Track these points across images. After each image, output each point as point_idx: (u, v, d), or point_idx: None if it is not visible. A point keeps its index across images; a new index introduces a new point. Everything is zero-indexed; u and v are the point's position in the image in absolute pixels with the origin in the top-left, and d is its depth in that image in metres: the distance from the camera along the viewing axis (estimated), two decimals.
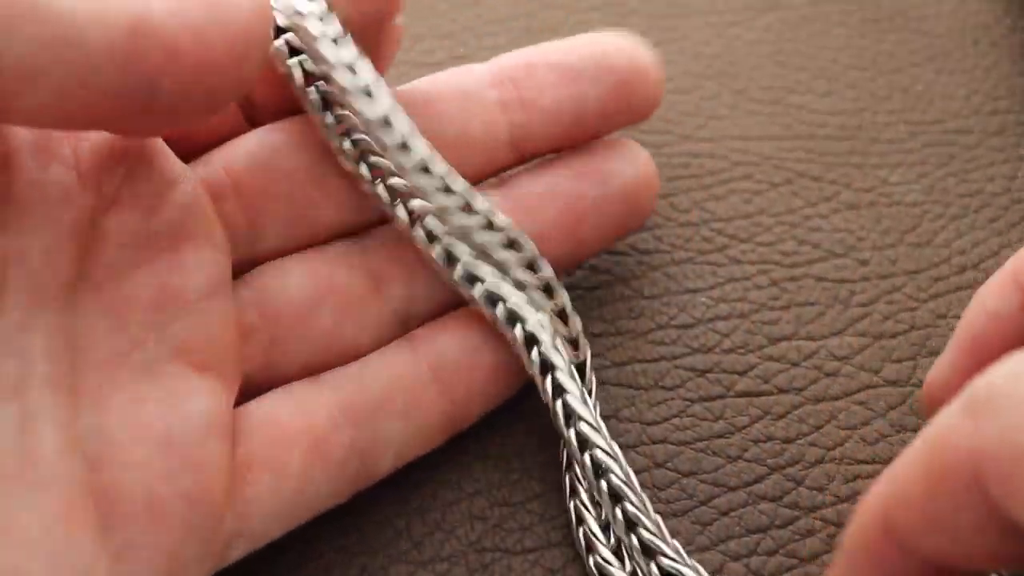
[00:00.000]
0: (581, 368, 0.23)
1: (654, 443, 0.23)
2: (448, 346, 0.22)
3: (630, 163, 0.24)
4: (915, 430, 0.23)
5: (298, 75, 0.21)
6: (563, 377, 0.22)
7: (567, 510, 0.22)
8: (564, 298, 0.23)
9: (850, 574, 0.18)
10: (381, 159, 0.21)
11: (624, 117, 0.24)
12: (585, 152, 0.24)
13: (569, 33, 0.31)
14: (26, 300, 0.19)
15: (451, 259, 0.22)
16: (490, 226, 0.22)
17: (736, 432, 0.23)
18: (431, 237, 0.22)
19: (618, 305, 0.25)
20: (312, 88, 0.21)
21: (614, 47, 0.24)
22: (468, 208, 0.22)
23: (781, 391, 0.24)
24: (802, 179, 0.27)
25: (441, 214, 0.22)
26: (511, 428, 0.23)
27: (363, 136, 0.21)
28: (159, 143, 0.21)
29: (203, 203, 0.21)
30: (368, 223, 0.23)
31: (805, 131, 0.28)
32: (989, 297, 0.20)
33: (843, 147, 0.28)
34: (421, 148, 0.21)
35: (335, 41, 0.21)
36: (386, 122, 0.21)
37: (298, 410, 0.21)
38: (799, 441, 0.23)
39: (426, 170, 0.22)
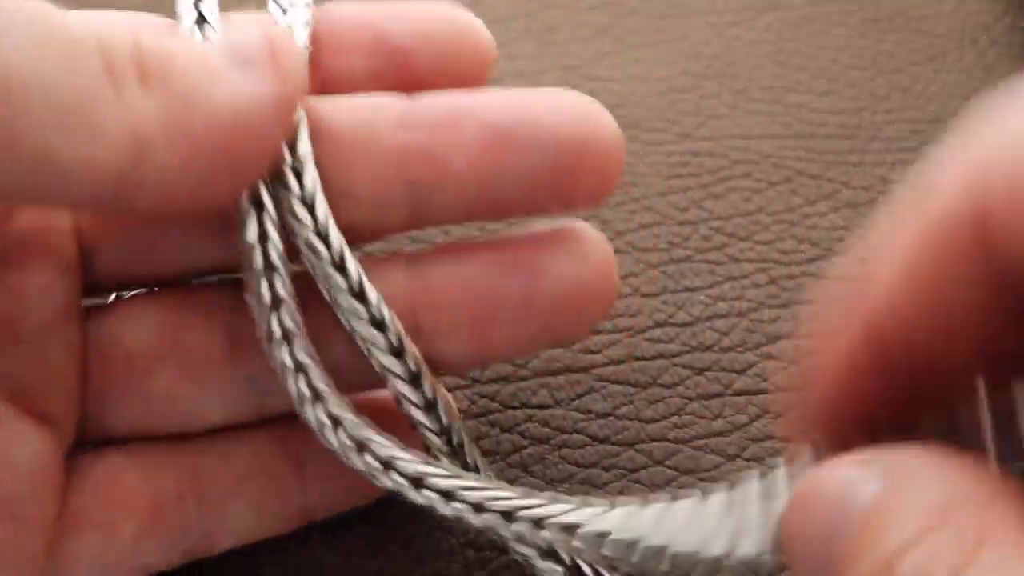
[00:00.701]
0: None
1: (652, 441, 0.23)
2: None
3: (574, 259, 0.19)
4: None
5: None
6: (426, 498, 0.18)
7: None
8: (428, 389, 0.19)
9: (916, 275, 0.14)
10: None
11: (560, 201, 0.19)
12: (518, 239, 0.20)
13: (569, 32, 0.31)
14: None
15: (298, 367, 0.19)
16: (359, 297, 0.19)
17: (735, 430, 0.23)
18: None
19: (616, 303, 0.25)
20: None
21: (568, 111, 0.19)
22: (342, 269, 0.19)
23: (780, 389, 0.24)
24: (801, 177, 0.27)
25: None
26: (507, 426, 0.23)
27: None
28: None
29: (61, 216, 0.19)
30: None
31: (805, 130, 0.28)
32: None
33: (842, 146, 0.28)
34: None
35: None
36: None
37: (144, 475, 0.19)
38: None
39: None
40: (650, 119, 0.28)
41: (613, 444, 0.23)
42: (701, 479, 0.22)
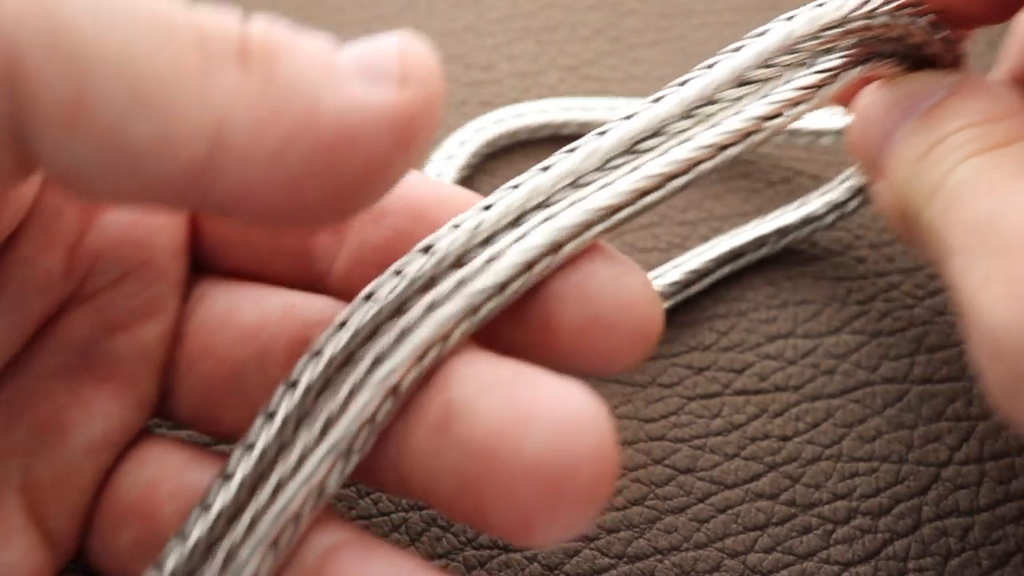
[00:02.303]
0: None
1: (651, 440, 0.23)
2: None
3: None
4: (912, 427, 0.23)
5: None
6: None
7: None
8: None
9: None
10: None
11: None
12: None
13: (568, 32, 0.31)
14: None
15: None
16: None
17: (734, 430, 0.23)
18: None
19: None
20: None
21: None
22: None
23: (778, 389, 0.24)
24: (800, 178, 0.27)
25: None
26: None
27: None
28: (171, 266, 0.19)
29: (160, 352, 0.19)
30: None
31: None
32: None
33: (842, 146, 0.28)
34: None
35: None
36: None
37: None
38: (796, 439, 0.23)
39: None
40: None
41: None
42: (700, 478, 0.22)
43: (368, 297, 0.17)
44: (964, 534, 0.21)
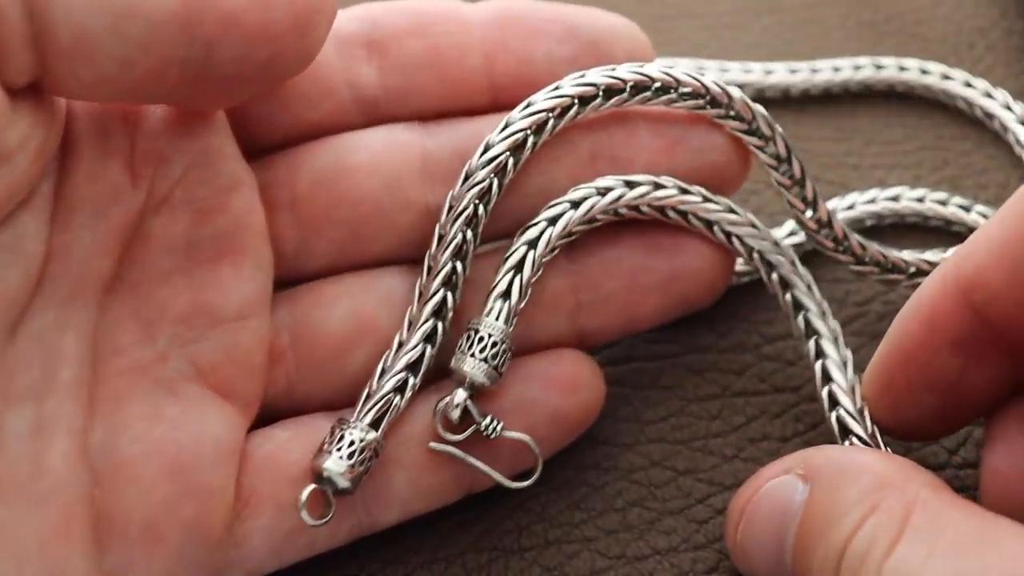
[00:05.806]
0: None
1: (651, 442, 0.23)
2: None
3: (703, 239, 0.22)
4: None
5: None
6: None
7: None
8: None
9: (912, 329, 0.19)
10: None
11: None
12: (656, 228, 0.23)
13: None
14: (63, 297, 0.18)
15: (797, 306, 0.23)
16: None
17: (732, 431, 0.23)
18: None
19: None
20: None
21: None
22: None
23: (777, 390, 0.24)
24: None
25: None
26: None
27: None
28: (225, 145, 0.20)
29: (256, 217, 0.21)
30: (421, 258, 0.22)
31: (803, 132, 0.29)
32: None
33: (840, 148, 0.28)
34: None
35: None
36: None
37: (309, 448, 0.20)
38: (795, 440, 0.23)
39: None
40: None
41: (612, 445, 0.23)
42: (699, 480, 0.22)
43: None
44: None
